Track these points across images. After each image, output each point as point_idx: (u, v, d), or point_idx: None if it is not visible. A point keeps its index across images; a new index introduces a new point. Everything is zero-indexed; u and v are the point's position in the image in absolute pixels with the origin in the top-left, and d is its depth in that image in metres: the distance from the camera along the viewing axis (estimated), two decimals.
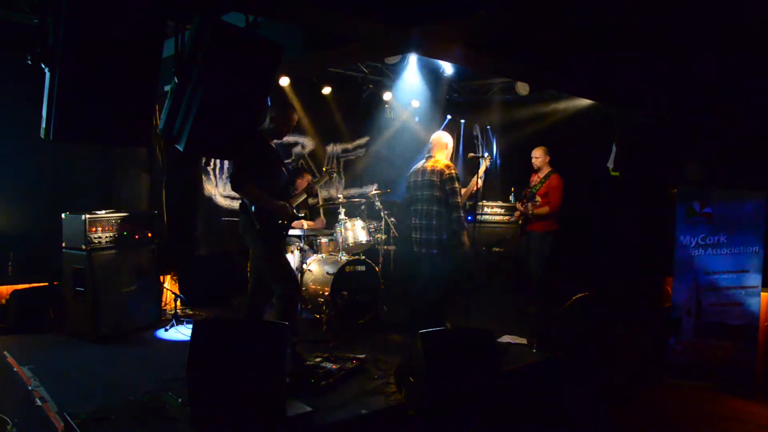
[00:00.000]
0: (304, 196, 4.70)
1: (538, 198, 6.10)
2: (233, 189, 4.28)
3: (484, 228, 7.77)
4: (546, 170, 6.25)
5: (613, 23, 4.31)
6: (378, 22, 4.01)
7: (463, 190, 5.95)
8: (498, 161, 8.90)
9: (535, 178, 6.34)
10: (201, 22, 3.03)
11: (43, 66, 2.67)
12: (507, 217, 7.72)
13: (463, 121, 8.63)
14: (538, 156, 6.28)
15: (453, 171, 4.95)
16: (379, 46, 5.08)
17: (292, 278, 4.29)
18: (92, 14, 2.68)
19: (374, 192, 6.34)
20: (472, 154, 5.36)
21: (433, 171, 4.97)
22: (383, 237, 6.36)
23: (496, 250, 7.74)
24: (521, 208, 6.22)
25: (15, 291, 5.18)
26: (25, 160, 5.29)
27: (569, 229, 6.56)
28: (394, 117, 8.35)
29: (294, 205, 4.46)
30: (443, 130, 5.43)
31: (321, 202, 6.83)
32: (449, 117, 7.72)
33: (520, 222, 6.35)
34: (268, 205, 4.15)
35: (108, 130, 2.94)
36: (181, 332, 5.34)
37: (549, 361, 4.83)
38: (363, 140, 8.28)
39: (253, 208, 4.15)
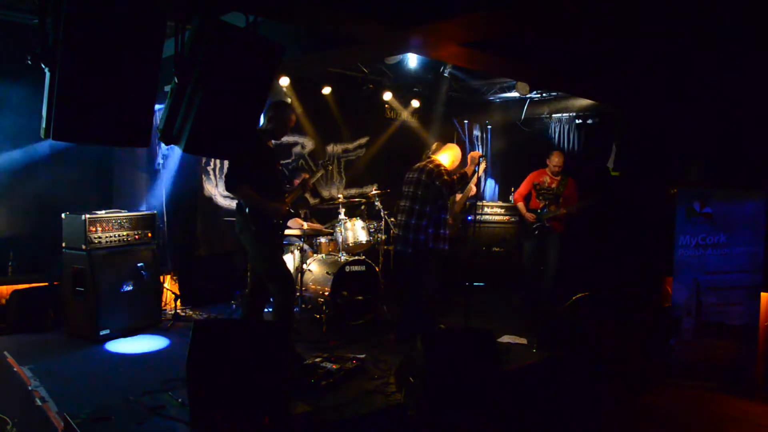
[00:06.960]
0: (300, 192, 4.67)
1: (562, 200, 6.19)
2: (227, 189, 4.27)
3: (484, 228, 7.77)
4: (560, 173, 6.35)
5: (613, 23, 4.32)
6: (378, 22, 4.01)
7: (459, 195, 5.97)
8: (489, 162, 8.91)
9: (548, 179, 6.36)
10: (201, 22, 3.03)
11: (43, 66, 2.66)
12: (506, 217, 7.72)
13: (474, 122, 8.64)
14: (560, 165, 6.31)
15: (442, 167, 4.92)
16: (379, 46, 5.08)
17: (287, 278, 4.28)
18: (92, 14, 2.68)
19: (374, 192, 6.34)
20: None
21: (422, 169, 4.98)
22: (383, 237, 6.36)
23: (496, 250, 7.75)
24: (553, 210, 6.21)
25: (15, 291, 5.17)
26: (25, 160, 5.28)
27: (569, 229, 6.57)
28: (394, 117, 8.36)
29: (290, 203, 4.45)
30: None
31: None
32: (456, 119, 7.74)
33: (535, 225, 6.31)
34: (263, 206, 4.14)
35: (108, 130, 2.93)
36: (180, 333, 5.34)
37: (549, 361, 4.83)
38: (363, 140, 8.27)
39: (248, 209, 4.15)
